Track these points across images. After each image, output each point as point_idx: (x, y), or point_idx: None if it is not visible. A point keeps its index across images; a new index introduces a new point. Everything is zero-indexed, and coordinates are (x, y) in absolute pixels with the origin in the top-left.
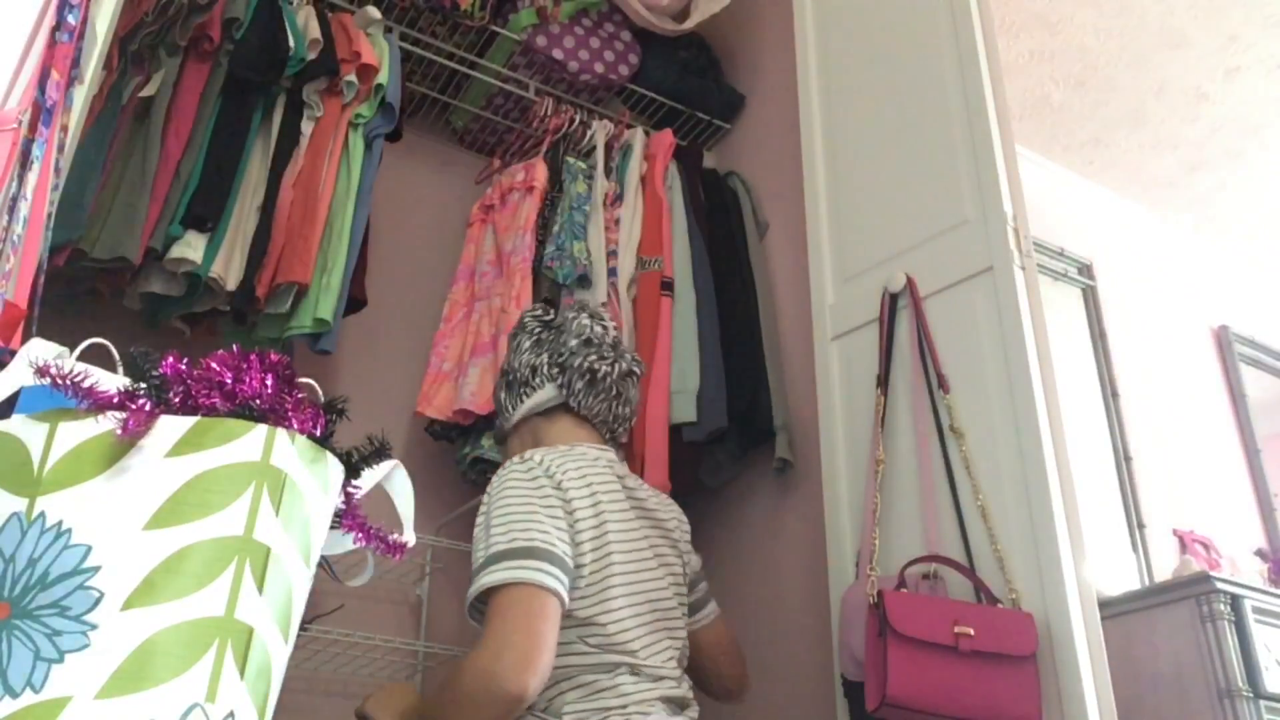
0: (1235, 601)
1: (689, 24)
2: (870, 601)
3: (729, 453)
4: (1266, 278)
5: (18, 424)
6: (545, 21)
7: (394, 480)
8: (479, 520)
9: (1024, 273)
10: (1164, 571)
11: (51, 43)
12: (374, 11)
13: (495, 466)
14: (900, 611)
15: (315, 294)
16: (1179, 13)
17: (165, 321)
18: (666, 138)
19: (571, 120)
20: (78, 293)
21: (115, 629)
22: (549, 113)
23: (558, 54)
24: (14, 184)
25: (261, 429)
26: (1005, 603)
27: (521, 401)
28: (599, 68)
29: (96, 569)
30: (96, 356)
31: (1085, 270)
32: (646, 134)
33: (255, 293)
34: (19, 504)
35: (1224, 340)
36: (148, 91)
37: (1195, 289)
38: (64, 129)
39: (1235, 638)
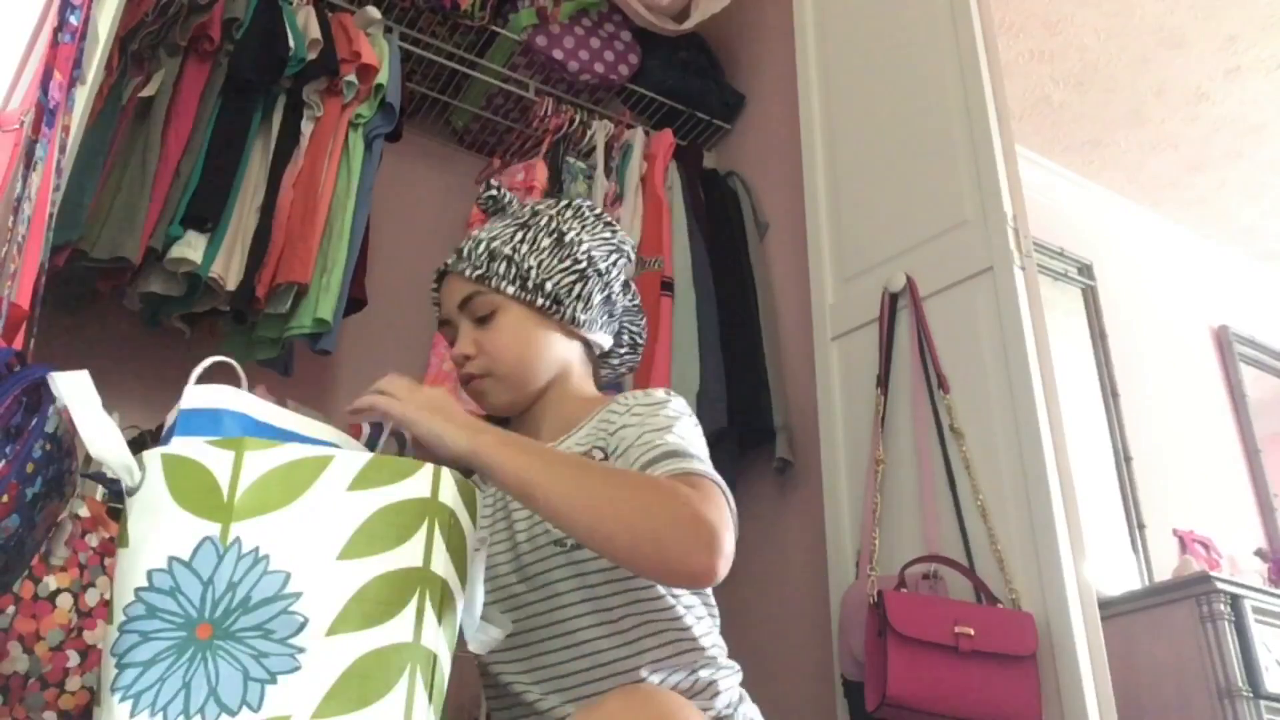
0: (1235, 601)
1: (689, 24)
2: (870, 601)
3: (728, 453)
4: (1266, 278)
5: (200, 449)
6: (545, 22)
7: None
8: (646, 412)
9: (1024, 273)
10: (1164, 571)
11: (54, 43)
12: (374, 11)
13: None
14: (900, 611)
15: (315, 294)
16: (1179, 13)
17: (165, 321)
18: (666, 138)
19: (571, 120)
20: (78, 293)
21: (322, 653)
22: (549, 113)
23: (558, 54)
24: (18, 185)
25: (429, 468)
26: (1005, 603)
27: None
28: (599, 68)
29: (298, 595)
30: (223, 375)
31: (1085, 270)
32: (646, 134)
33: (255, 293)
34: (211, 529)
35: (1224, 340)
36: (148, 92)
37: (1195, 289)
38: (65, 129)
39: (1235, 638)
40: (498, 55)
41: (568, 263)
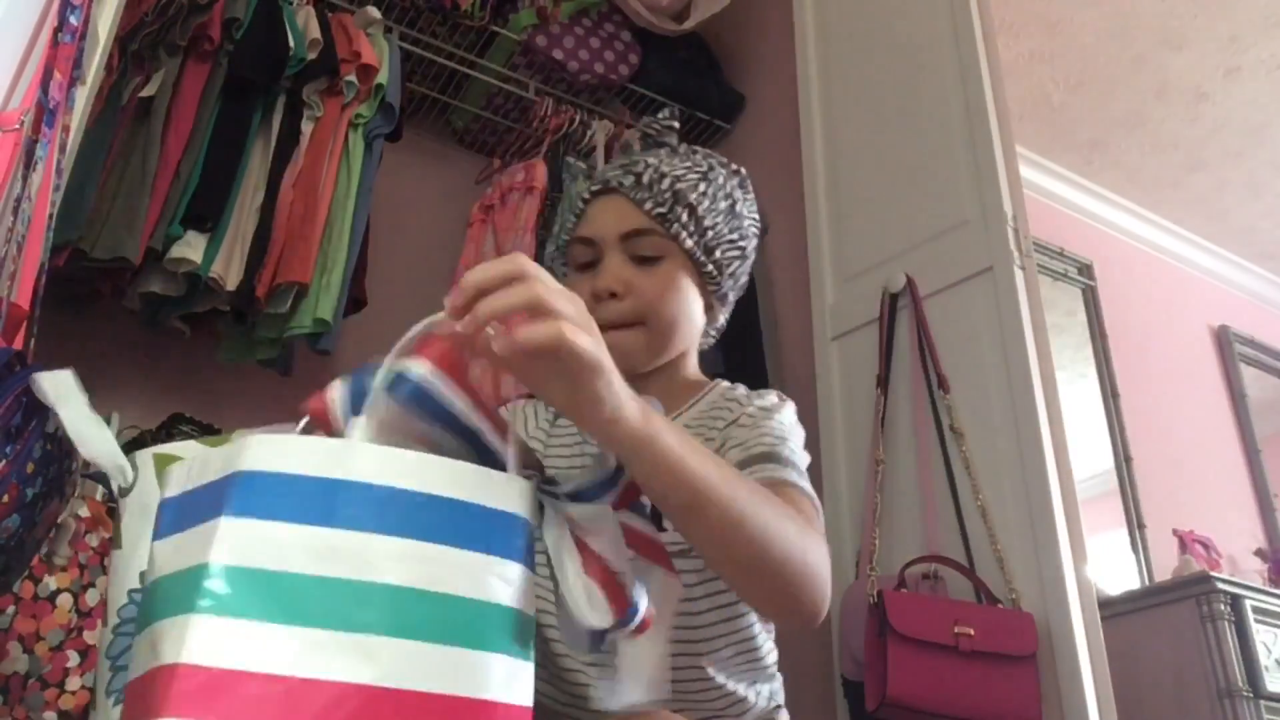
0: (1235, 601)
1: (689, 24)
2: (870, 601)
3: None
4: (1266, 278)
5: (193, 448)
6: (545, 21)
7: None
8: (761, 415)
9: (1024, 273)
10: (1164, 571)
11: (54, 43)
12: (374, 11)
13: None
14: (900, 611)
15: (315, 294)
16: (1179, 13)
17: (165, 321)
18: None
19: (571, 120)
20: (78, 293)
21: None
22: (549, 113)
23: (558, 54)
24: (18, 185)
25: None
26: (1005, 603)
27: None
28: (599, 68)
29: None
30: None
31: (1085, 270)
32: None
33: (255, 293)
34: None
35: (1224, 340)
36: (148, 91)
37: (1195, 289)
38: (65, 129)
39: (1235, 638)
40: (498, 55)
41: (735, 235)
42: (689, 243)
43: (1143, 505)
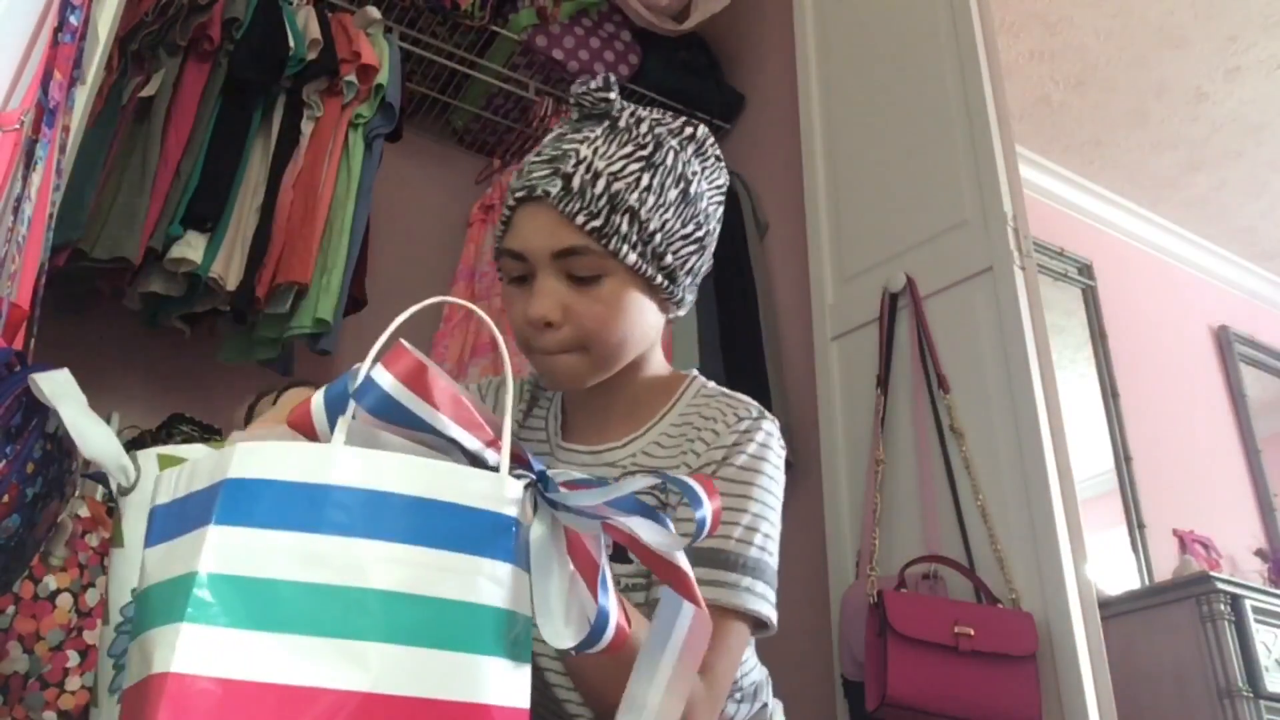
0: (1235, 601)
1: (689, 24)
2: (870, 601)
3: None
4: (1266, 278)
5: (194, 449)
6: (545, 22)
7: None
8: (731, 450)
9: (1024, 273)
10: (1164, 571)
11: (54, 43)
12: (374, 11)
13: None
14: (900, 611)
15: (315, 294)
16: (1179, 13)
17: (165, 321)
18: None
19: None
20: (78, 293)
21: None
22: (549, 113)
23: (558, 54)
24: (18, 184)
25: None
26: (1005, 603)
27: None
28: (599, 68)
29: None
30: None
31: (1085, 270)
32: None
33: (255, 293)
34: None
35: (1224, 340)
36: (148, 91)
37: (1195, 289)
38: (65, 129)
39: (1235, 638)
40: (498, 55)
41: (690, 227)
42: (631, 257)
43: (1143, 505)
